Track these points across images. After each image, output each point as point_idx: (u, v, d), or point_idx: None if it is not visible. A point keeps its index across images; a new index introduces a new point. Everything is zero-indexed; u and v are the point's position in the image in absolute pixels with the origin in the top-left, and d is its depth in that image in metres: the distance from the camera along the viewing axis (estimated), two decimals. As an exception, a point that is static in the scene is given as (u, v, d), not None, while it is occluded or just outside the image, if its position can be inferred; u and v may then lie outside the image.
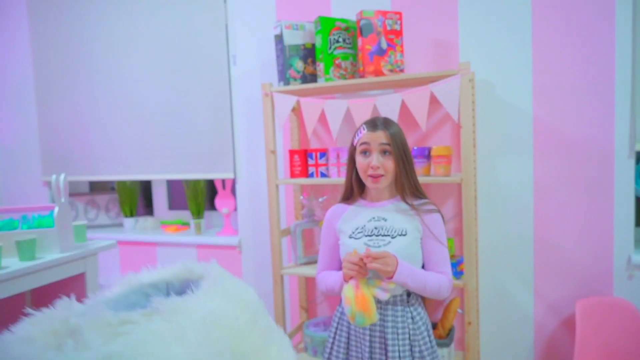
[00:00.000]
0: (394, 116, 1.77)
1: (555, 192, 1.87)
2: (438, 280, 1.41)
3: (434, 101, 1.75)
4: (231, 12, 2.34)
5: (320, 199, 2.10)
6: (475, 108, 1.89)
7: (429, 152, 1.83)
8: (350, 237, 1.47)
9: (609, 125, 1.78)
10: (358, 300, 1.27)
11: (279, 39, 1.99)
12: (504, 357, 2.00)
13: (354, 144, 1.48)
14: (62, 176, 1.74)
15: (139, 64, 2.53)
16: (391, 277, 1.33)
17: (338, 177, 1.97)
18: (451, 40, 1.96)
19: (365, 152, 1.43)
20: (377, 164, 1.40)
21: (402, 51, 1.87)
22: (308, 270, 2.01)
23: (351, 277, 1.34)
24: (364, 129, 1.45)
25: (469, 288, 1.74)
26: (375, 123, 1.44)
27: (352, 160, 1.50)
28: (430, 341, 1.45)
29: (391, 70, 1.86)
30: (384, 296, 1.31)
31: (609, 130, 1.78)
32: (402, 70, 1.87)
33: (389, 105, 1.80)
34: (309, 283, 2.33)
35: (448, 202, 2.02)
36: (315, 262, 2.10)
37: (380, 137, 1.41)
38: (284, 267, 2.07)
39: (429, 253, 1.45)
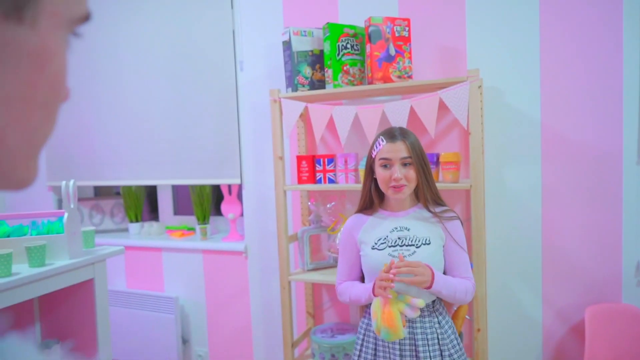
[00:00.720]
0: (403, 122, 1.77)
1: (564, 198, 1.88)
2: (465, 286, 1.45)
3: (441, 107, 1.75)
4: (238, 18, 2.35)
5: (328, 205, 2.10)
6: (483, 115, 1.89)
7: (438, 158, 1.84)
8: (373, 248, 1.48)
9: (616, 131, 1.79)
10: (384, 316, 1.30)
11: (287, 45, 1.99)
12: (512, 363, 2.00)
13: (373, 156, 1.49)
14: (71, 182, 1.74)
15: (145, 69, 2.54)
16: (429, 287, 1.35)
17: (346, 183, 1.97)
18: (459, 47, 1.97)
19: (385, 165, 1.44)
20: (399, 176, 1.41)
21: (410, 58, 1.87)
22: (315, 277, 2.01)
23: (381, 295, 1.34)
24: (382, 140, 1.46)
25: (478, 294, 1.74)
26: (394, 134, 1.46)
27: (370, 172, 1.51)
28: (459, 344, 1.48)
29: (399, 77, 1.86)
30: (412, 314, 1.33)
31: (617, 136, 1.79)
32: (410, 77, 1.88)
33: (397, 112, 1.80)
34: (316, 289, 2.32)
35: (456, 208, 2.02)
36: (322, 268, 2.10)
37: (400, 149, 1.42)
38: (291, 273, 2.07)
39: (452, 259, 1.48)
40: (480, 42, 1.94)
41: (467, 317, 1.94)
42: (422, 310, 1.42)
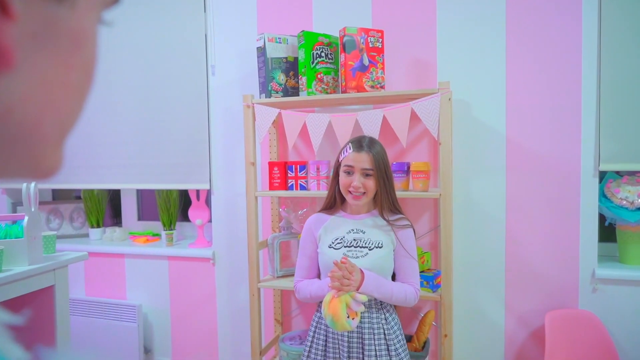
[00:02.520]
0: (375, 131, 1.80)
1: (526, 208, 1.96)
2: (404, 291, 1.53)
3: (411, 118, 1.80)
4: (211, 22, 2.32)
5: (299, 212, 2.10)
6: (452, 126, 1.95)
7: (408, 167, 1.88)
8: (330, 247, 1.56)
9: (575, 146, 1.89)
10: (331, 305, 1.40)
11: (261, 51, 1.99)
12: (476, 368, 2.05)
13: (339, 160, 1.57)
14: (32, 184, 1.67)
15: (114, 69, 2.47)
16: (357, 289, 1.44)
17: (317, 190, 1.98)
18: (429, 60, 2.03)
19: (348, 172, 1.53)
20: (358, 185, 1.50)
21: (383, 68, 1.91)
22: (285, 283, 2.00)
23: (333, 288, 1.43)
24: (350, 148, 1.54)
25: (445, 301, 1.78)
26: (361, 144, 1.53)
27: (336, 174, 1.60)
28: (404, 339, 1.58)
29: (372, 87, 1.90)
30: (357, 308, 1.41)
31: (576, 150, 1.89)
32: (382, 87, 1.91)
33: (370, 121, 1.83)
34: (285, 296, 2.31)
35: (424, 216, 2.07)
36: (291, 274, 2.09)
37: (363, 160, 1.50)
38: (260, 279, 2.05)
39: (400, 265, 1.57)
40: (450, 57, 2.01)
41: (433, 323, 1.99)
42: (369, 306, 1.52)
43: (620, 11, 1.80)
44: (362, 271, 1.47)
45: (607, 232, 2.01)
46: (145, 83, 2.42)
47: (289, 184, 2.02)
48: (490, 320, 2.02)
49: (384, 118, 1.82)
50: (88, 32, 0.28)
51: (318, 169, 1.98)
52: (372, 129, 1.82)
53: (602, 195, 1.91)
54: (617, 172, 1.95)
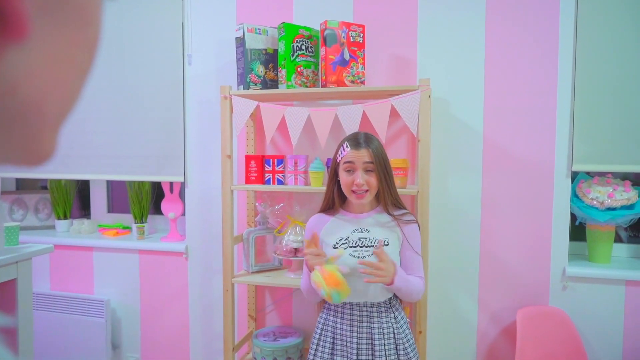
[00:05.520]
0: (355, 127, 1.79)
1: (500, 206, 1.98)
2: (419, 285, 1.53)
3: (391, 114, 1.79)
4: (188, 10, 2.26)
5: (276, 207, 2.07)
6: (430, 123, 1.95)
7: (387, 164, 1.87)
8: (335, 247, 1.52)
9: (550, 147, 1.92)
10: (328, 280, 1.33)
11: (240, 41, 1.94)
12: (448, 364, 2.07)
13: (337, 160, 1.53)
14: (-5, 172, 1.58)
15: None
16: (391, 284, 1.41)
17: (295, 185, 1.95)
18: (410, 56, 2.03)
19: (349, 170, 1.48)
20: (361, 182, 1.46)
21: (363, 63, 1.90)
22: (260, 279, 1.97)
23: (314, 265, 1.39)
24: (347, 147, 1.49)
25: (421, 298, 1.79)
26: (358, 141, 1.49)
27: (334, 175, 1.56)
28: (412, 338, 1.56)
29: (352, 82, 1.88)
30: (345, 269, 1.37)
31: (550, 151, 1.92)
32: (362, 82, 1.90)
33: (350, 116, 1.82)
34: (259, 292, 2.28)
35: (401, 213, 2.06)
36: (266, 270, 2.06)
37: (363, 156, 1.47)
38: (235, 275, 2.01)
39: (407, 260, 1.54)
40: (430, 55, 2.01)
41: (408, 319, 2.00)
42: (379, 306, 1.51)
43: (596, 17, 1.84)
44: (394, 264, 1.43)
45: (577, 231, 2.06)
46: (119, 71, 2.34)
47: (266, 178, 1.99)
48: (464, 316, 2.04)
49: (364, 113, 1.81)
50: (95, 8, 0.27)
51: (296, 163, 1.95)
52: (351, 124, 1.80)
53: (574, 195, 1.95)
54: (588, 173, 2.00)
